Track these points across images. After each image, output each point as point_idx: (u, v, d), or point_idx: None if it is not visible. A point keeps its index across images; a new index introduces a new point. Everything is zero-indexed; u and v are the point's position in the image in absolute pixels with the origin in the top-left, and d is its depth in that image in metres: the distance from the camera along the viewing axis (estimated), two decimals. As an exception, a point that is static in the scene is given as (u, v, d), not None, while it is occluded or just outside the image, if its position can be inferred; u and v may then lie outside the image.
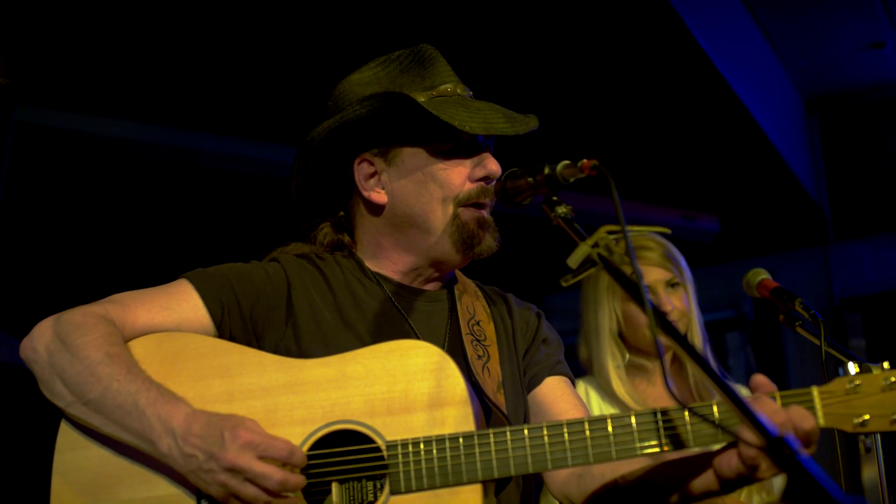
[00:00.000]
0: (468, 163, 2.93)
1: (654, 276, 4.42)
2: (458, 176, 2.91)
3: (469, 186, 2.91)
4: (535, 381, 3.04)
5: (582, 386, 4.43)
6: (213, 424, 2.40)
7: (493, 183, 2.89)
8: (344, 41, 6.54)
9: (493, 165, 2.91)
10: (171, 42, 6.56)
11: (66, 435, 2.62)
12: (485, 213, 2.93)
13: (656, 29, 6.48)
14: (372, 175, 3.00)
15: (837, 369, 3.35)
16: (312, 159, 3.05)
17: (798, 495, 1.79)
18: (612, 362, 4.41)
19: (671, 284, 4.45)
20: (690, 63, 6.78)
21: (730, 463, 2.24)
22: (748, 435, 2.12)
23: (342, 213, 3.14)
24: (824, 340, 3.51)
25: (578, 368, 4.47)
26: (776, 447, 1.86)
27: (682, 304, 4.43)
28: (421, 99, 2.88)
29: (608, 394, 4.38)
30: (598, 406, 4.35)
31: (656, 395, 4.43)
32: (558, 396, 3.01)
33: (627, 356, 4.46)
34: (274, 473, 2.35)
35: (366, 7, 6.28)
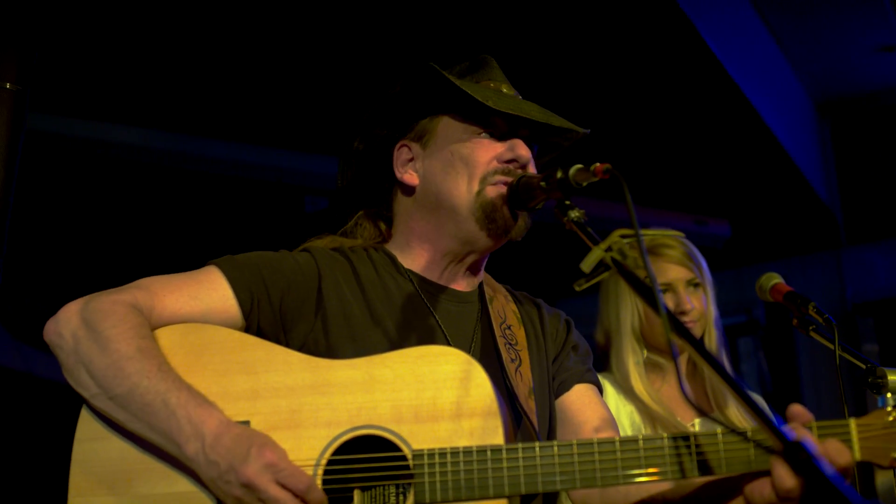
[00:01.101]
0: (498, 145, 2.91)
1: (675, 273, 4.40)
2: (485, 155, 2.89)
3: (495, 165, 2.88)
4: (564, 388, 3.02)
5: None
6: (245, 438, 2.37)
7: (521, 169, 2.87)
8: (357, 48, 6.54)
9: (522, 150, 2.88)
10: (182, 49, 6.56)
11: (87, 424, 2.59)
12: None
13: (668, 35, 6.48)
14: (409, 160, 3.01)
15: (852, 374, 3.34)
16: (358, 144, 3.08)
17: (816, 500, 1.78)
18: (633, 359, 4.39)
19: (693, 284, 4.43)
20: (702, 68, 6.77)
21: (762, 492, 2.20)
22: (783, 471, 2.10)
23: (385, 209, 3.14)
24: (838, 344, 3.48)
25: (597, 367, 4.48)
26: (793, 452, 1.85)
27: (700, 305, 4.42)
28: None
29: (626, 390, 4.36)
30: (615, 402, 4.33)
31: (671, 393, 4.40)
32: (586, 404, 3.00)
33: (645, 353, 4.45)
34: (287, 502, 2.32)
35: (378, 14, 6.28)
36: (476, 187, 2.86)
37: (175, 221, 8.19)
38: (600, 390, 3.10)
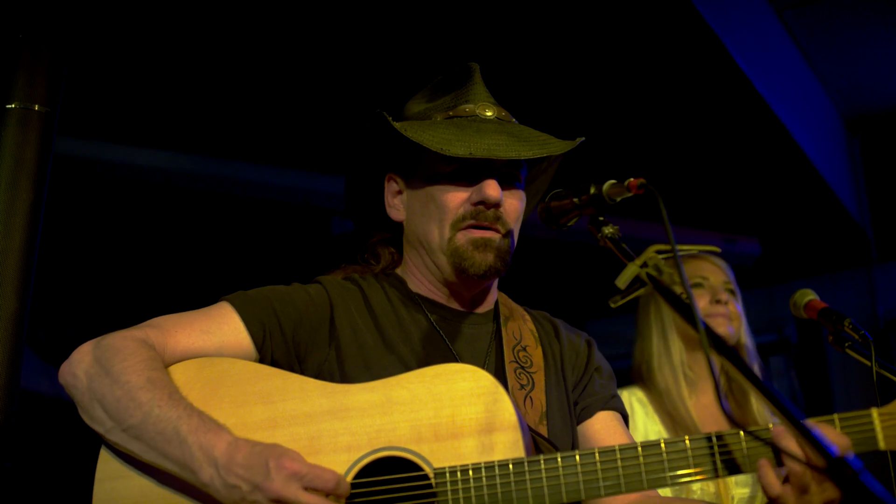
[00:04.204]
0: (467, 190, 2.88)
1: (712, 272, 4.48)
2: (455, 199, 2.87)
3: (465, 209, 2.86)
4: (587, 413, 2.99)
5: (626, 396, 4.37)
6: (257, 454, 2.36)
7: (493, 209, 2.85)
8: (385, 72, 6.55)
9: (490, 191, 2.83)
10: (210, 72, 6.59)
11: (107, 464, 2.59)
12: (484, 234, 2.85)
13: (696, 52, 6.46)
14: (398, 193, 3.03)
15: (885, 392, 3.30)
16: (351, 180, 3.12)
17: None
18: (679, 358, 4.37)
19: (728, 289, 4.47)
20: (730, 85, 6.75)
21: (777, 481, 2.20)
22: (792, 449, 2.09)
23: (393, 235, 3.16)
24: (875, 361, 3.44)
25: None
26: (837, 468, 1.82)
27: (735, 310, 4.44)
28: (415, 115, 2.93)
29: (653, 403, 4.33)
30: (643, 422, 4.31)
31: (701, 409, 4.37)
32: (610, 434, 2.97)
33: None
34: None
35: (406, 37, 6.29)
36: (447, 233, 2.86)
37: (203, 244, 8.21)
38: (625, 418, 3.07)
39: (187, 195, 7.65)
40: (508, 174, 2.92)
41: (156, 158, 7.37)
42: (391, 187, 3.05)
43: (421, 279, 3.00)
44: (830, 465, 1.84)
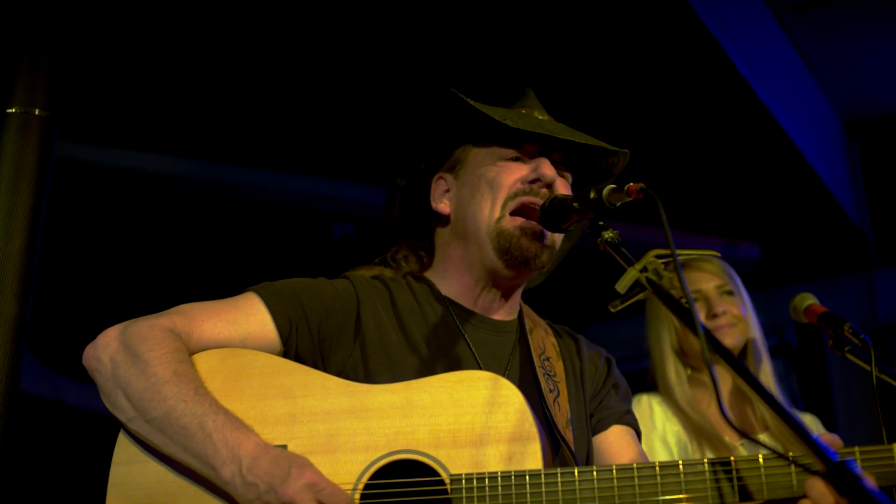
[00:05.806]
0: (524, 168, 2.92)
1: (705, 281, 4.44)
2: (510, 175, 2.90)
3: (519, 186, 2.88)
4: (602, 426, 3.01)
5: (645, 400, 4.38)
6: (284, 458, 2.38)
7: (546, 189, 2.88)
8: (386, 75, 6.55)
9: (546, 169, 2.88)
10: (210, 76, 6.58)
11: (124, 447, 2.60)
12: (532, 223, 2.87)
13: (696, 56, 6.45)
14: (446, 192, 3.05)
15: (886, 396, 3.30)
16: (400, 180, 3.14)
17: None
18: (675, 376, 4.38)
19: (724, 291, 4.44)
20: (730, 89, 6.74)
21: None
22: (823, 489, 2.08)
23: (428, 241, 3.18)
24: (875, 365, 3.44)
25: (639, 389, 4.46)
26: (837, 472, 1.81)
27: (738, 311, 4.42)
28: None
29: (671, 408, 4.34)
30: (662, 422, 4.31)
31: (717, 412, 4.37)
32: (623, 448, 2.99)
33: (688, 371, 4.43)
34: None
35: (408, 43, 6.28)
36: (497, 213, 2.88)
37: (204, 248, 8.21)
38: (638, 433, 3.09)
39: (188, 199, 7.66)
40: (566, 170, 2.99)
41: (157, 162, 7.37)
42: (439, 186, 3.08)
43: (454, 278, 3.02)
44: (831, 470, 1.84)
